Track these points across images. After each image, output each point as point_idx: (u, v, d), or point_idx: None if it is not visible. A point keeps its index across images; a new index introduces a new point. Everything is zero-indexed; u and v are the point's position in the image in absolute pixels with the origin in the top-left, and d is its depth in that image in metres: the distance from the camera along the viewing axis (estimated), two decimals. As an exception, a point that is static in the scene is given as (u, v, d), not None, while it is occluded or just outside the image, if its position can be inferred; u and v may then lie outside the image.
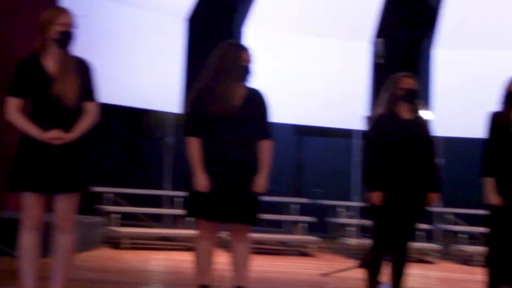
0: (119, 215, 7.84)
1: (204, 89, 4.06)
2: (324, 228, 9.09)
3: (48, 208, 3.89)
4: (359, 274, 5.39)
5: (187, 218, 7.45)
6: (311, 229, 8.57)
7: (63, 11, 3.89)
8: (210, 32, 9.10)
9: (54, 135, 3.74)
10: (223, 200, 3.99)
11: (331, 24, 9.21)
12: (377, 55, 6.84)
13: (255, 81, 4.18)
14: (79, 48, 3.92)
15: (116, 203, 8.21)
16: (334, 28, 9.23)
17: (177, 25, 8.92)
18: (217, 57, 4.08)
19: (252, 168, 4.05)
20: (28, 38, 4.11)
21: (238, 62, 4.05)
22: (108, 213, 7.80)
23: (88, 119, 3.86)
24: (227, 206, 3.99)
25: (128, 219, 8.20)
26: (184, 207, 4.18)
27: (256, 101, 4.10)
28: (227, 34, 8.95)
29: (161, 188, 8.86)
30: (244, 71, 4.06)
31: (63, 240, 3.87)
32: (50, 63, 3.82)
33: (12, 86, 3.80)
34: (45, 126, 3.74)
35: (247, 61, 4.08)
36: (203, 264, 4.11)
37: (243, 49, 4.11)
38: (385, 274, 4.78)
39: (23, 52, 4.01)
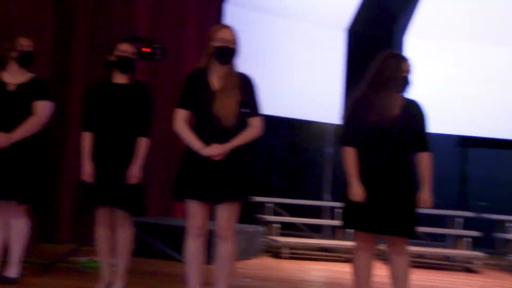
0: (280, 225, 7.96)
1: (362, 99, 4.05)
2: (491, 244, 8.67)
3: (212, 216, 4.04)
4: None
5: (346, 229, 7.44)
6: (476, 244, 8.21)
7: (222, 27, 4.03)
8: (370, 42, 9.02)
9: (213, 152, 3.86)
10: (380, 211, 3.94)
11: (496, 30, 8.82)
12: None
13: (417, 91, 4.10)
14: (241, 62, 4.05)
15: (276, 213, 8.35)
16: (499, 34, 8.83)
17: (337, 36, 8.95)
18: (376, 68, 4.05)
19: (409, 179, 3.99)
20: (194, 54, 4.33)
21: (397, 72, 4.00)
22: (269, 223, 7.95)
23: (251, 133, 3.96)
24: (384, 217, 3.94)
25: (288, 229, 8.31)
26: (341, 218, 4.18)
27: (414, 112, 4.03)
28: (388, 44, 8.83)
29: (321, 199, 8.89)
30: (403, 81, 4.00)
31: (224, 248, 3.99)
32: (215, 79, 3.97)
33: (180, 99, 4.01)
34: (207, 140, 3.89)
35: (407, 71, 4.02)
36: (362, 276, 4.09)
37: (403, 59, 4.06)
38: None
39: (190, 67, 4.22)
